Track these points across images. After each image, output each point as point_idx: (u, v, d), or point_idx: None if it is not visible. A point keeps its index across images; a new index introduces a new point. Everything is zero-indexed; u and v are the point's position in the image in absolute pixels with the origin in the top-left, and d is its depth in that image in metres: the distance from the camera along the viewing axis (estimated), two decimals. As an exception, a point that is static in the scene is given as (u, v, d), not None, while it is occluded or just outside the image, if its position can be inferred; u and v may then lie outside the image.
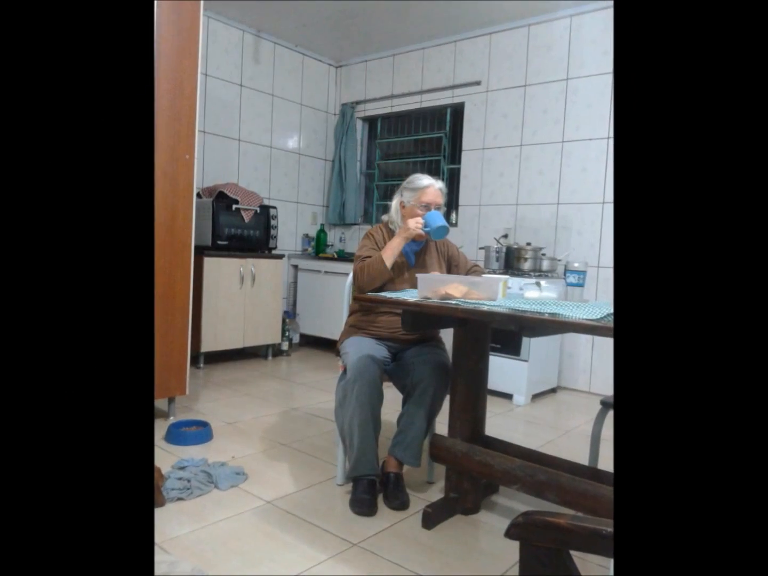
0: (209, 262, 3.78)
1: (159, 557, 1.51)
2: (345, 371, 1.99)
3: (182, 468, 2.09)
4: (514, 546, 0.88)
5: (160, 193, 2.48)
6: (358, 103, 5.04)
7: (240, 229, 4.01)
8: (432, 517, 1.83)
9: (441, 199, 2.14)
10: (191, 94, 2.58)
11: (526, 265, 3.59)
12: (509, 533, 0.84)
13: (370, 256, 2.06)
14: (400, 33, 4.39)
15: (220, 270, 3.85)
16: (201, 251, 3.69)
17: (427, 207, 2.10)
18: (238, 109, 4.46)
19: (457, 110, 4.52)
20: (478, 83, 4.29)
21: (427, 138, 4.76)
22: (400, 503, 1.93)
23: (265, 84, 4.63)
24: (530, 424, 3.06)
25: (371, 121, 5.19)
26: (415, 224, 2.02)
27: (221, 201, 3.90)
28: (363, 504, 1.88)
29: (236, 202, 3.95)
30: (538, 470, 1.65)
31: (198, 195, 3.95)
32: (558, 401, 3.60)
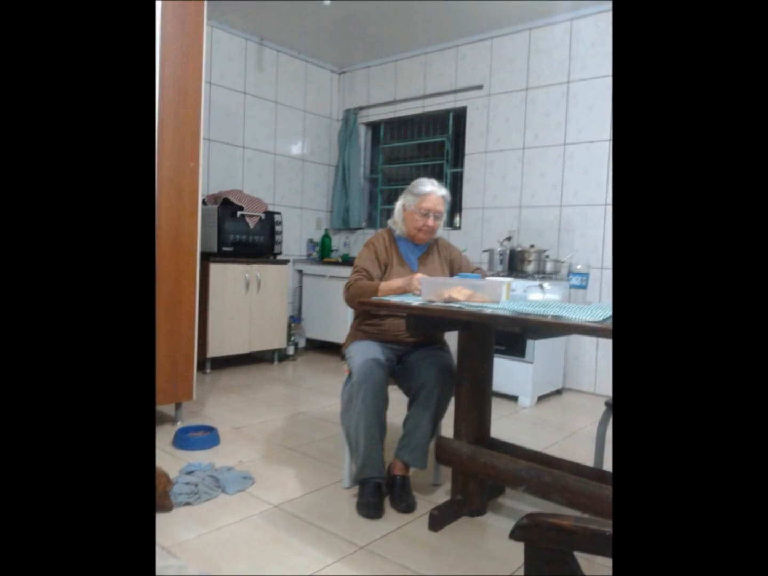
0: (215, 269, 3.79)
1: (167, 561, 1.52)
2: (350, 375, 1.99)
3: (190, 473, 2.10)
4: (521, 548, 0.86)
5: (166, 201, 2.49)
6: (361, 108, 5.06)
7: (245, 235, 4.02)
8: (438, 520, 1.82)
9: (442, 207, 2.13)
10: (195, 102, 2.59)
11: (530, 268, 3.59)
12: (514, 535, 0.84)
13: (365, 269, 2.09)
14: (401, 39, 4.41)
15: (226, 276, 3.86)
16: (207, 258, 3.70)
17: (426, 214, 2.10)
18: (242, 117, 4.48)
19: (460, 114, 4.52)
20: (480, 87, 4.30)
21: (430, 142, 4.77)
22: (406, 506, 1.93)
23: (268, 91, 4.65)
24: (536, 425, 3.05)
25: (374, 127, 5.21)
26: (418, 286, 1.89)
27: (226, 208, 3.92)
28: (370, 507, 1.88)
29: (241, 208, 3.96)
30: (543, 472, 1.64)
31: (203, 202, 3.97)
32: (563, 402, 3.58)
